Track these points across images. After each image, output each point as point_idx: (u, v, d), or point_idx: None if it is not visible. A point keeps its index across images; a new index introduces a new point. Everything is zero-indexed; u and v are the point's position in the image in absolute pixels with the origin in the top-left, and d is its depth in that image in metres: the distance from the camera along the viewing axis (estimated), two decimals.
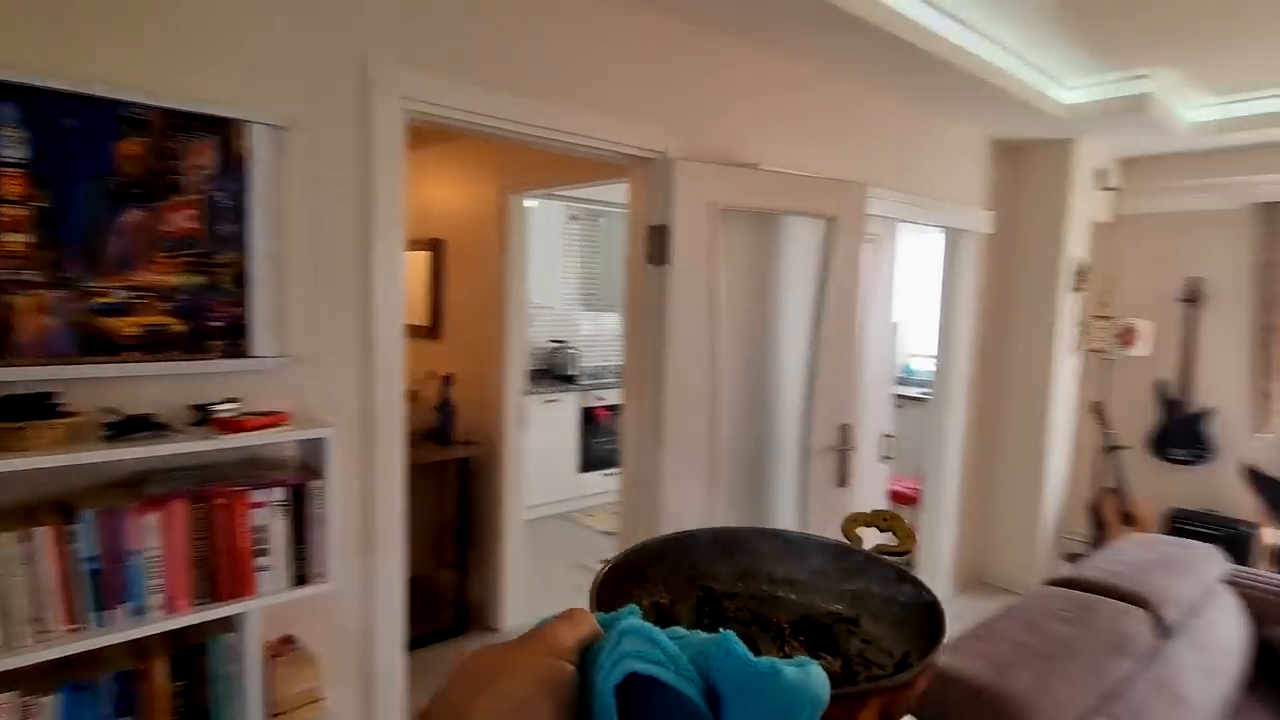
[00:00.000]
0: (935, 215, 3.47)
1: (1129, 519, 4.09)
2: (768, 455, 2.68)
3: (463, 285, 3.74)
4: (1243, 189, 4.18)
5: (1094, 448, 4.36)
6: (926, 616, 0.79)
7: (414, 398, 3.56)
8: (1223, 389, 4.43)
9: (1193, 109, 3.58)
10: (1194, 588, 2.27)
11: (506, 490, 3.53)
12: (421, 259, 3.87)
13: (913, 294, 5.32)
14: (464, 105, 1.86)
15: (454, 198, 3.74)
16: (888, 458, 3.34)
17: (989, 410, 4.07)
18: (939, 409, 3.85)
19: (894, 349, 3.38)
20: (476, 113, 1.89)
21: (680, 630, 0.50)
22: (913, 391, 5.22)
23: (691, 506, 2.36)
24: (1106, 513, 4.09)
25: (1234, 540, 4.18)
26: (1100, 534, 4.09)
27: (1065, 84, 3.33)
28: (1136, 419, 4.70)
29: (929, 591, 0.86)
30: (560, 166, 3.02)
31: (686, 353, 2.30)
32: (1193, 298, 4.47)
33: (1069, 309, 3.96)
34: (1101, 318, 4.32)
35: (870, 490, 3.32)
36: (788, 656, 0.50)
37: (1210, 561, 2.48)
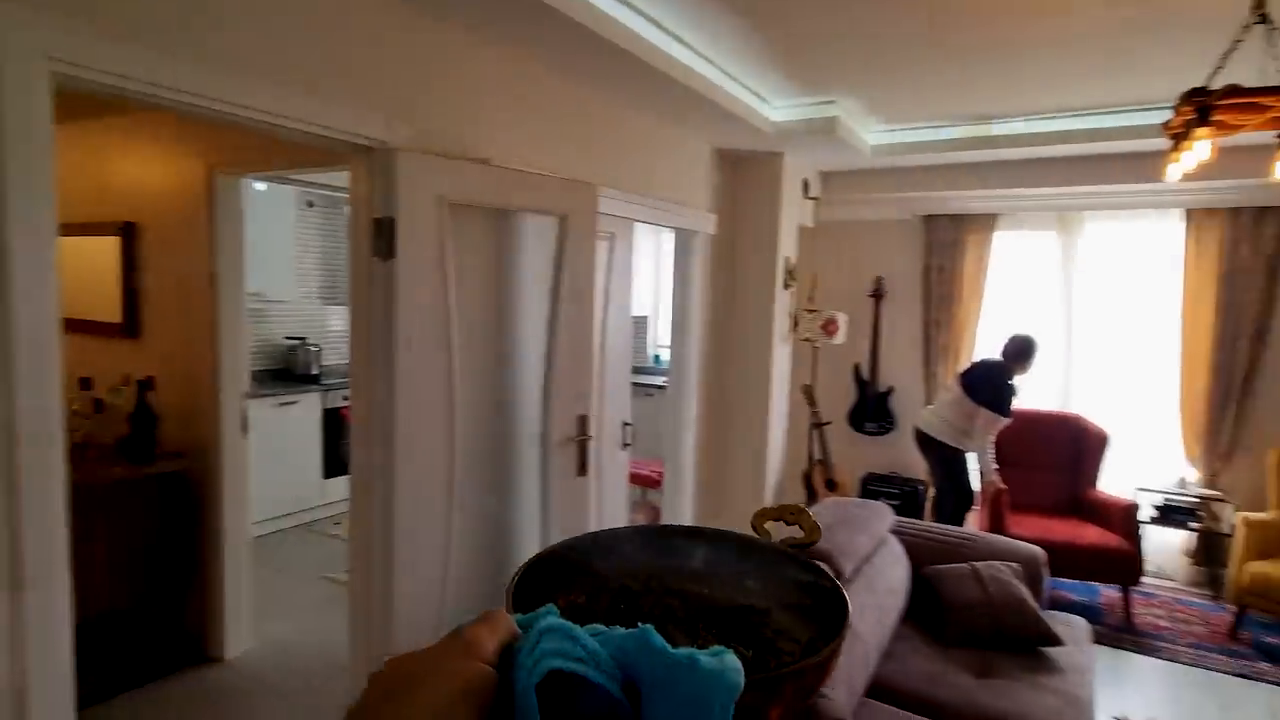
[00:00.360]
0: (667, 217, 3.72)
1: (833, 485, 4.73)
2: (510, 450, 2.70)
3: (166, 276, 3.29)
4: (911, 203, 5.02)
5: (805, 425, 4.97)
6: (830, 604, 0.80)
7: (101, 407, 3.07)
8: (901, 370, 5.29)
9: (872, 133, 4.21)
10: (869, 540, 2.69)
11: (227, 505, 3.18)
12: (108, 245, 3.33)
13: (664, 289, 5.67)
14: (134, 72, 1.62)
15: (150, 176, 3.26)
16: (627, 445, 3.54)
17: (719, 395, 4.46)
18: (675, 396, 4.15)
19: (631, 341, 3.57)
20: (152, 82, 1.66)
21: (599, 627, 0.50)
22: (660, 381, 5.57)
23: (428, 510, 2.30)
24: (815, 481, 4.70)
25: (909, 496, 5.03)
26: (811, 499, 4.69)
27: (773, 104, 3.74)
28: (839, 398, 5.45)
29: (832, 580, 0.87)
30: (276, 149, 2.77)
31: (418, 350, 2.24)
32: (878, 294, 5.28)
33: (782, 303, 4.47)
34: (809, 311, 4.93)
35: (613, 477, 3.49)
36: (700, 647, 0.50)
37: (882, 516, 2.96)
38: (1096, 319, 4.69)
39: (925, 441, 4.36)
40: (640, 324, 6.12)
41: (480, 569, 2.61)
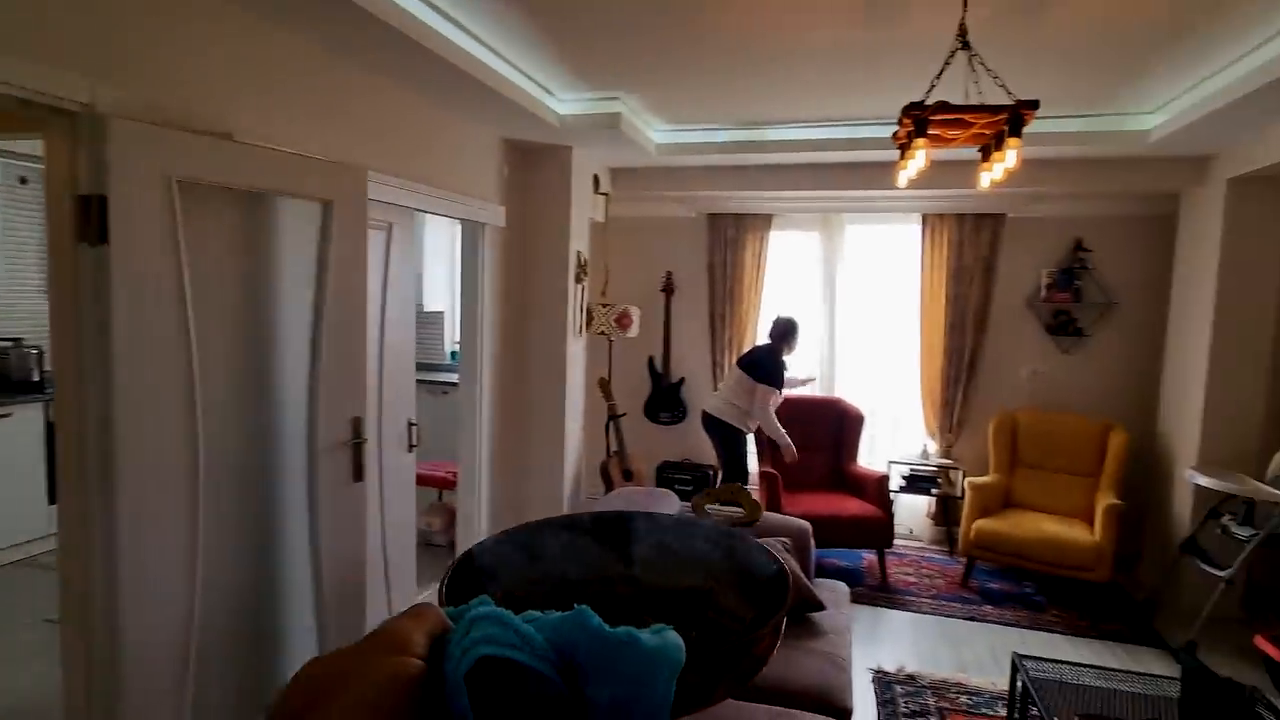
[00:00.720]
0: (451, 207, 3.57)
1: (629, 475, 4.85)
2: (272, 459, 2.44)
3: None
4: (696, 202, 5.26)
5: (602, 418, 5.05)
6: (772, 581, 0.78)
7: None
8: (692, 361, 5.54)
9: (656, 132, 4.35)
10: None
11: None
12: None
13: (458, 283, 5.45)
14: None
15: None
16: (414, 446, 3.35)
17: (514, 391, 4.39)
18: (468, 393, 4.01)
19: (414, 337, 3.38)
20: None
21: (534, 613, 0.50)
22: (454, 378, 5.36)
23: (163, 535, 2.01)
24: (612, 472, 4.78)
25: (700, 480, 5.28)
26: (608, 490, 4.76)
27: (559, 97, 3.72)
28: (635, 390, 5.60)
29: (775, 559, 0.85)
30: None
31: (143, 352, 1.94)
32: (669, 289, 5.49)
33: (576, 297, 4.49)
34: (603, 305, 5.00)
35: (398, 480, 3.29)
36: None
37: (669, 503, 3.06)
38: (856, 311, 5.22)
39: (710, 423, 4.63)
40: (435, 319, 5.86)
41: (242, 596, 2.33)
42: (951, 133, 2.18)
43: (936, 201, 4.82)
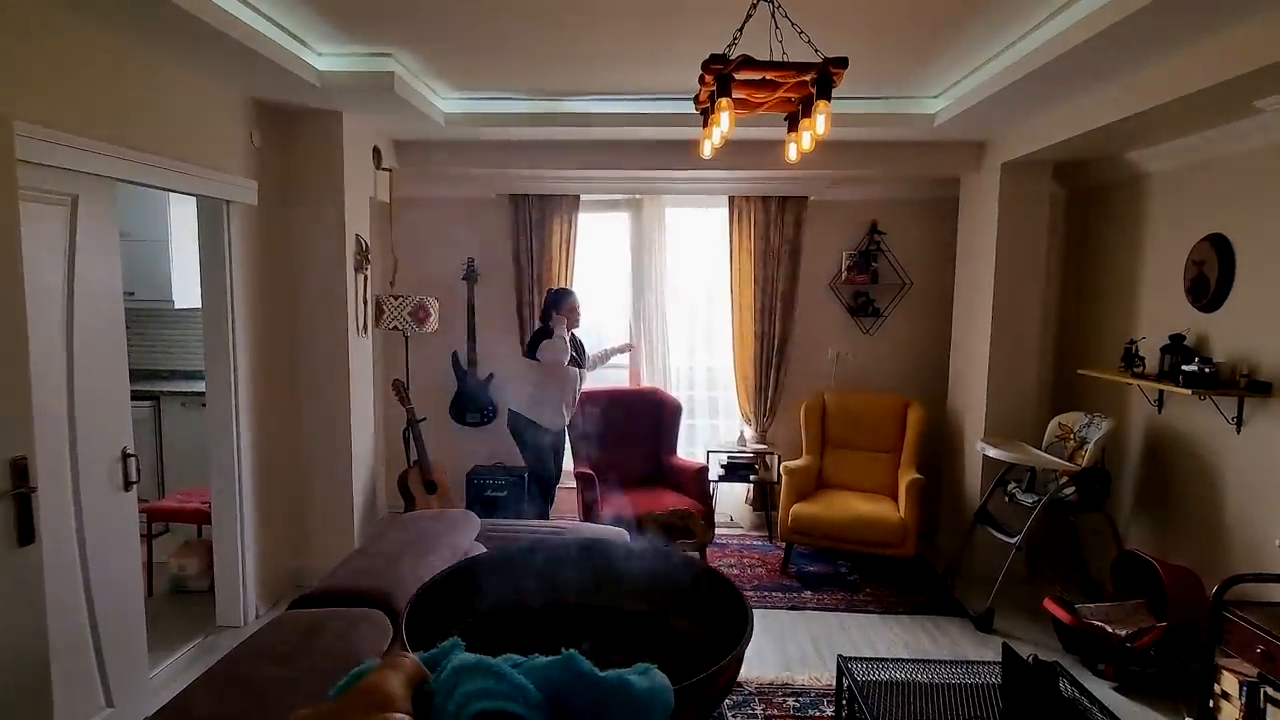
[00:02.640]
0: (175, 179, 2.87)
1: (433, 487, 4.33)
2: None
3: None
4: (496, 181, 4.81)
5: (400, 424, 4.48)
6: (726, 600, 0.86)
7: None
8: (500, 356, 5.09)
9: (444, 100, 3.84)
10: (447, 556, 2.33)
11: None
12: None
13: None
14: None
15: None
16: (133, 482, 2.64)
17: (285, 398, 3.72)
18: (220, 405, 3.31)
19: (123, 344, 2.66)
20: None
21: (516, 657, 0.50)
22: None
23: None
24: (412, 485, 4.24)
25: (515, 486, 4.87)
26: (409, 506, 4.22)
27: (317, 50, 3.12)
28: (440, 390, 5.06)
29: (723, 580, 0.92)
30: None
31: None
32: (471, 276, 4.99)
33: (357, 288, 3.88)
34: (395, 297, 4.42)
35: (110, 528, 2.56)
36: (611, 665, 0.51)
37: (464, 527, 2.63)
38: (670, 298, 5.04)
39: (511, 418, 4.29)
40: (191, 318, 4.93)
41: None
42: (759, 96, 1.95)
43: (742, 183, 4.73)
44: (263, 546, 3.58)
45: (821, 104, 1.82)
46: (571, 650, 0.48)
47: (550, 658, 0.49)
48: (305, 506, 3.84)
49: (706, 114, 2.06)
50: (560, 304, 4.21)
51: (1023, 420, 4.15)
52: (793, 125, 2.14)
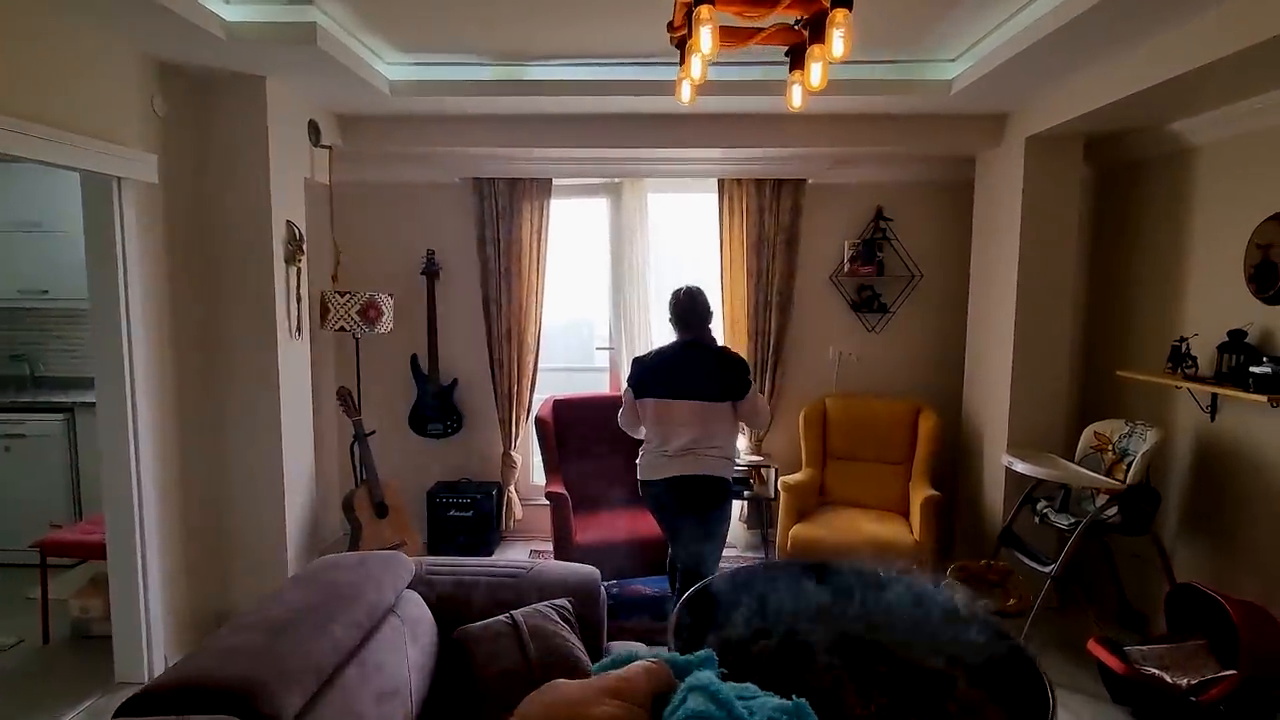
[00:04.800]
0: (45, 149, 2.35)
1: (384, 509, 3.81)
2: None
3: None
4: (458, 163, 4.29)
5: (347, 438, 3.96)
6: (1027, 684, 0.72)
7: None
8: (464, 359, 4.57)
9: (388, 65, 3.33)
10: (354, 629, 1.82)
11: None
12: None
13: None
14: None
15: None
16: None
17: (199, 412, 3.19)
18: (111, 423, 2.79)
19: None
20: None
21: (753, 688, 0.49)
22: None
23: None
24: (359, 508, 3.72)
25: (482, 505, 4.35)
26: (356, 534, 3.70)
27: None
28: (397, 397, 4.55)
29: (1033, 660, 0.77)
30: None
31: None
32: (432, 271, 4.47)
33: (291, 283, 3.37)
34: (341, 294, 3.91)
35: None
36: (869, 712, 0.53)
37: (391, 574, 2.12)
38: (654, 292, 4.53)
39: (692, 495, 2.97)
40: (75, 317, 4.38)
41: None
42: (751, 13, 1.44)
43: (732, 164, 4.23)
44: (174, 587, 3.06)
45: (840, 13, 1.32)
46: (802, 700, 0.47)
47: (782, 700, 0.47)
48: (229, 539, 3.31)
49: (684, 45, 1.56)
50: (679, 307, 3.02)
51: (1052, 427, 3.67)
52: (796, 62, 1.64)
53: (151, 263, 2.91)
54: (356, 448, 3.83)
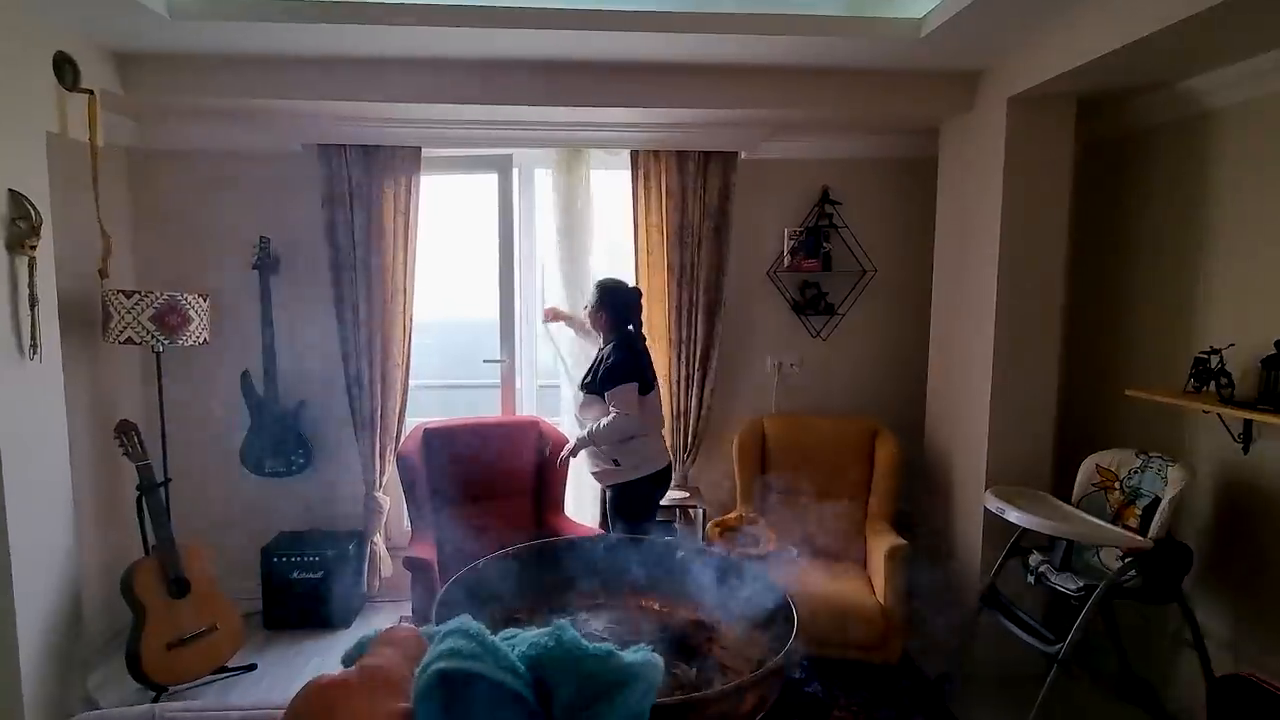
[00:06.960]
0: None
1: (183, 587, 2.82)
2: None
3: None
4: (299, 124, 3.30)
5: (130, 492, 2.94)
6: (780, 618, 0.89)
7: None
8: (313, 375, 3.60)
9: None
10: None
11: None
12: None
13: None
14: None
15: None
16: None
17: None
18: None
19: None
20: None
21: (515, 630, 0.54)
22: None
23: None
24: (144, 589, 2.72)
25: (336, 564, 3.41)
26: (139, 626, 2.70)
27: None
28: (227, 429, 3.53)
29: (782, 592, 0.95)
30: None
31: None
32: (266, 264, 3.48)
33: (16, 277, 2.35)
34: (128, 294, 2.90)
35: None
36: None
37: None
38: (554, 293, 3.65)
39: (615, 497, 3.01)
40: None
41: None
42: None
43: (647, 130, 3.40)
44: None
45: None
46: (562, 621, 0.51)
47: (541, 629, 0.51)
48: None
49: None
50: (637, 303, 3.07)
51: (1039, 457, 2.99)
52: None
53: None
54: (145, 503, 2.82)
